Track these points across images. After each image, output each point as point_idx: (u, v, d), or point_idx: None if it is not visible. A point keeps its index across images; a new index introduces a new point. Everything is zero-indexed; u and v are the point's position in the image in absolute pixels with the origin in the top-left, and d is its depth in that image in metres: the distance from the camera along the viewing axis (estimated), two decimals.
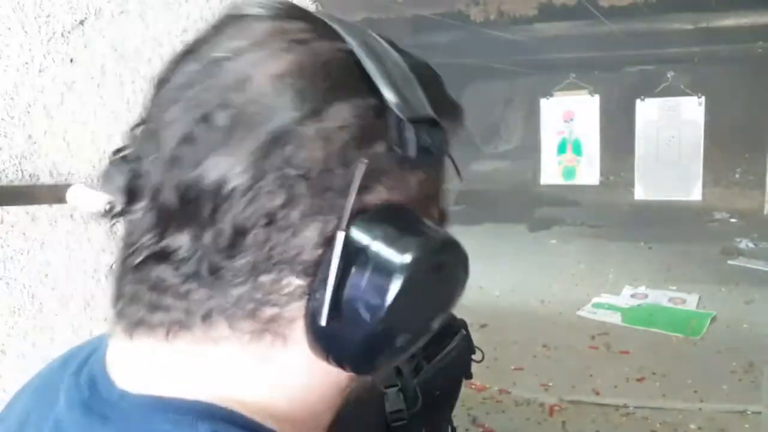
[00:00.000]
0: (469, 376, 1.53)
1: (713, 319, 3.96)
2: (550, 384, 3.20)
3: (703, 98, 3.28)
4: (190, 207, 0.37)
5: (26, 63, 1.07)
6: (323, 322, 0.36)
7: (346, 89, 0.38)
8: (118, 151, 0.41)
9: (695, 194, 3.29)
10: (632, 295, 4.48)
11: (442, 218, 0.45)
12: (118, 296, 0.40)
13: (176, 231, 0.37)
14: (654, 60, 7.81)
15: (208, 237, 0.36)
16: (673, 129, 3.35)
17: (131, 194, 0.39)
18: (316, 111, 0.36)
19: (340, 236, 0.36)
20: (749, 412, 2.89)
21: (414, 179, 0.40)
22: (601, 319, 4.09)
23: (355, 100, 0.38)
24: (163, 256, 0.37)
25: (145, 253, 0.38)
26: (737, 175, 7.23)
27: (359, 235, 0.37)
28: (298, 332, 0.38)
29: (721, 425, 2.81)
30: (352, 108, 0.37)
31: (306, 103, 0.37)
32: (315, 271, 0.37)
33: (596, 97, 3.38)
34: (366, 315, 0.37)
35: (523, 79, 9.50)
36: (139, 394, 0.39)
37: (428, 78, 0.44)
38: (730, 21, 6.14)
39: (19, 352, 0.98)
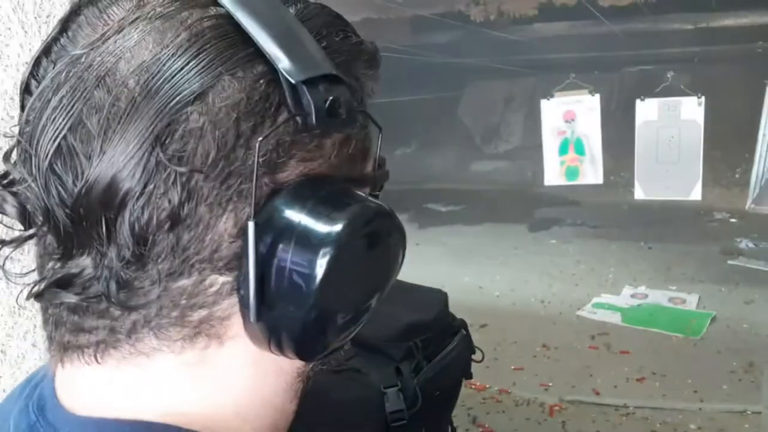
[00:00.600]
0: (469, 376, 1.53)
1: (713, 319, 3.96)
2: (550, 384, 3.20)
3: (703, 98, 3.27)
4: (84, 224, 0.33)
5: (26, 63, 1.07)
6: (252, 318, 0.34)
7: (226, 61, 0.33)
8: (4, 176, 0.37)
9: (695, 194, 3.28)
10: (632, 295, 4.47)
11: (378, 177, 0.42)
12: (45, 320, 0.38)
13: (77, 253, 0.34)
14: (654, 60, 7.81)
15: (111, 253, 0.33)
16: (673, 129, 3.34)
17: (26, 220, 0.36)
18: (196, 94, 0.33)
19: (251, 226, 0.33)
20: (749, 412, 2.89)
21: (330, 144, 0.36)
22: (601, 319, 4.08)
23: (239, 71, 0.34)
24: (65, 282, 0.35)
25: (44, 284, 0.35)
26: (737, 175, 7.23)
27: (278, 217, 0.34)
28: (235, 328, 0.36)
29: (721, 425, 2.81)
30: (237, 81, 0.33)
31: (181, 87, 0.33)
32: (239, 264, 0.35)
33: (597, 96, 3.35)
34: (298, 298, 0.34)
35: (523, 79, 9.50)
36: (82, 416, 0.37)
37: (326, 24, 0.39)
38: (730, 21, 6.15)
39: (19, 352, 0.98)
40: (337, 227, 0.34)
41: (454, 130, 9.81)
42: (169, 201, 0.33)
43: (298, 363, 0.40)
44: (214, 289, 0.35)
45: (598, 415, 2.91)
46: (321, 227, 0.34)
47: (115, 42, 0.34)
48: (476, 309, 3.86)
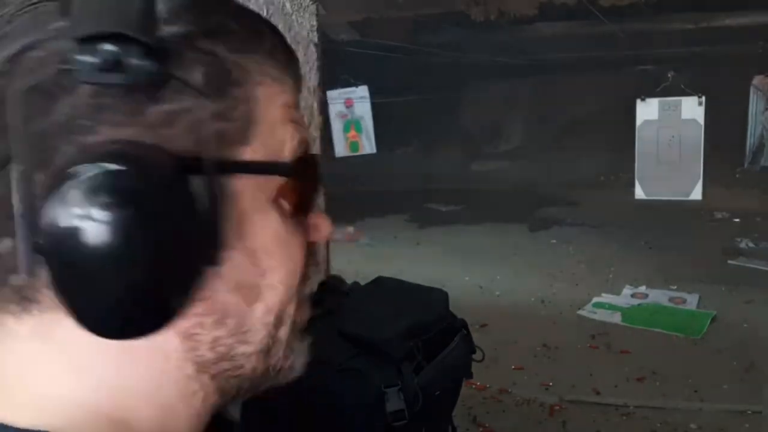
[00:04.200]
0: (470, 375, 1.53)
1: (713, 319, 3.96)
2: (550, 384, 3.20)
3: (703, 98, 3.27)
4: None
5: None
6: (22, 275, 0.32)
7: (38, 27, 0.33)
8: None
9: (695, 194, 3.28)
10: (632, 295, 4.47)
11: (273, 166, 0.37)
12: None
13: None
14: (654, 60, 7.81)
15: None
16: (673, 129, 3.34)
17: None
18: (7, 58, 0.32)
19: (16, 168, 0.31)
20: (749, 412, 2.89)
21: (156, 113, 0.33)
22: (601, 318, 4.08)
23: (45, 44, 0.33)
24: None
25: None
26: (737, 175, 7.23)
27: (71, 172, 0.31)
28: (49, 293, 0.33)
29: (721, 425, 2.81)
30: (39, 53, 0.33)
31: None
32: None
33: (365, 87, 3.88)
34: (79, 257, 0.31)
35: (523, 79, 9.50)
36: None
37: None
38: (730, 21, 6.15)
39: None
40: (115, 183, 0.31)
41: (454, 130, 9.81)
42: None
43: (184, 347, 0.35)
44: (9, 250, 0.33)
45: (598, 415, 2.91)
46: (108, 177, 0.31)
47: None
48: (477, 308, 3.86)
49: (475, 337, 1.63)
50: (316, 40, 1.79)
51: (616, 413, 2.93)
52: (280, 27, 1.71)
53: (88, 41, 0.31)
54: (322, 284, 1.70)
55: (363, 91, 3.98)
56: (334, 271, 1.91)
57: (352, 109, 3.98)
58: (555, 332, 3.85)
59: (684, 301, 4.31)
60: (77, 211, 0.30)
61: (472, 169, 9.39)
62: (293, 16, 1.69)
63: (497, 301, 4.45)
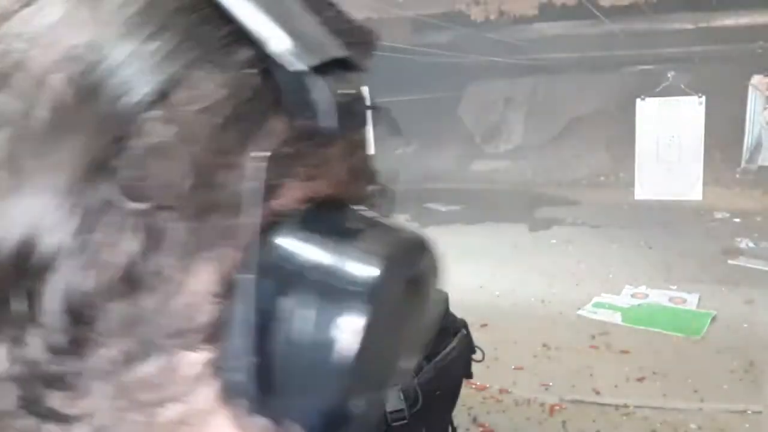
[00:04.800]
0: (470, 375, 1.54)
1: (713, 319, 3.96)
2: (551, 383, 3.20)
3: (703, 98, 3.27)
4: None
5: None
6: (250, 408, 0.24)
7: (202, 44, 0.23)
8: None
9: (695, 194, 3.29)
10: (632, 295, 4.47)
11: (380, 196, 0.30)
12: None
13: None
14: (654, 60, 7.82)
15: (34, 339, 0.22)
16: (673, 129, 3.35)
17: None
18: (160, 91, 0.22)
19: (246, 277, 0.23)
20: (749, 412, 2.89)
21: (336, 155, 0.26)
22: (602, 318, 4.08)
23: (221, 57, 0.23)
24: None
25: None
26: (737, 175, 7.23)
27: (283, 264, 0.23)
28: (223, 423, 0.25)
29: (721, 425, 2.81)
30: (218, 72, 0.23)
31: (133, 84, 0.22)
32: (222, 333, 0.24)
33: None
34: (320, 378, 0.24)
35: (523, 79, 9.50)
36: None
37: None
38: (730, 21, 6.15)
39: None
40: (374, 271, 0.23)
41: (454, 130, 9.81)
42: (125, 254, 0.22)
43: None
44: (189, 373, 0.24)
45: (598, 415, 2.91)
46: (351, 273, 0.23)
47: (24, 20, 0.23)
48: (477, 308, 3.86)
49: (475, 337, 1.64)
50: None
51: (616, 413, 2.93)
52: None
53: (320, 70, 0.23)
54: None
55: (363, 91, 3.98)
56: None
57: None
58: (555, 332, 3.85)
59: (684, 301, 4.31)
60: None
61: (472, 168, 9.39)
62: None
63: (497, 301, 4.45)
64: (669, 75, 3.64)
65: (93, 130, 0.22)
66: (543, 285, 4.71)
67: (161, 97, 0.22)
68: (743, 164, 3.84)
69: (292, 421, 0.25)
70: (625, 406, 2.97)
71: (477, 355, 1.54)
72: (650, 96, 3.42)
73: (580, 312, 4.20)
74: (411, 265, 0.25)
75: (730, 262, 5.09)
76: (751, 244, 5.53)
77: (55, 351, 0.22)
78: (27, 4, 0.23)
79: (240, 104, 0.23)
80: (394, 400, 1.29)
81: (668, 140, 3.35)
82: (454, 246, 5.85)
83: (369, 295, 0.23)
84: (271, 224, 0.24)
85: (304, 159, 0.25)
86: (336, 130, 0.24)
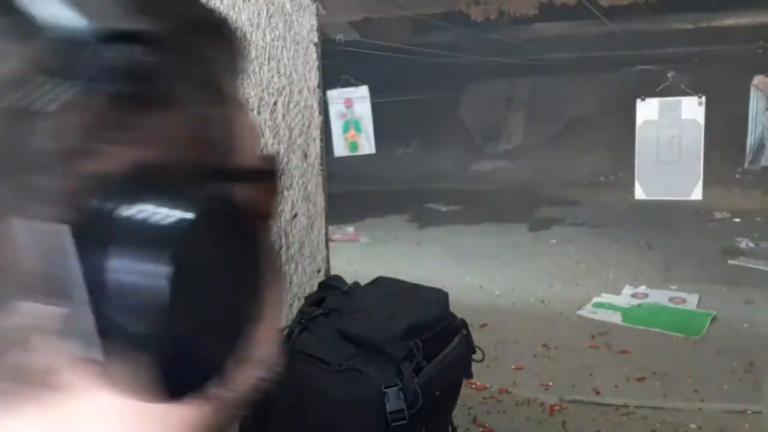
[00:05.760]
0: (470, 375, 1.54)
1: (713, 319, 3.96)
2: (551, 384, 3.20)
3: (703, 98, 3.27)
4: None
5: None
6: (98, 355, 0.26)
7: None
8: None
9: (695, 194, 3.29)
10: (632, 295, 4.48)
11: (251, 173, 0.32)
12: None
13: None
14: (654, 60, 7.82)
15: None
16: (673, 129, 3.35)
17: None
18: None
19: (64, 229, 0.25)
20: (749, 412, 2.90)
21: (158, 122, 0.28)
22: (602, 318, 4.09)
23: (7, 30, 0.25)
24: None
25: None
26: (737, 175, 7.23)
27: (102, 216, 0.26)
28: (80, 375, 0.27)
29: (722, 425, 2.82)
30: (7, 45, 0.25)
31: None
32: (54, 284, 0.25)
33: (365, 87, 3.94)
34: (146, 319, 0.26)
35: (523, 79, 9.51)
36: None
37: None
38: (730, 21, 6.15)
39: None
40: (184, 219, 0.26)
41: (454, 130, 9.82)
42: None
43: (189, 412, 0.30)
44: (26, 322, 0.25)
45: (598, 415, 2.91)
46: (161, 221, 0.26)
47: None
48: (477, 308, 3.86)
49: (475, 337, 1.64)
50: (316, 40, 1.79)
51: (616, 413, 2.93)
52: (280, 27, 1.69)
53: (113, 40, 0.25)
54: (322, 284, 1.70)
55: (363, 91, 3.98)
56: (334, 271, 1.91)
57: (352, 109, 3.99)
58: (555, 332, 3.85)
59: (684, 301, 4.31)
60: (149, 267, 0.25)
61: (472, 169, 9.39)
62: (293, 16, 1.69)
63: (497, 301, 4.45)
64: (669, 75, 3.63)
65: None
66: (543, 285, 4.71)
67: None
68: (746, 165, 3.84)
69: (133, 355, 0.26)
70: (625, 406, 2.97)
71: (477, 355, 1.54)
72: (650, 96, 3.41)
73: (580, 312, 4.20)
74: (219, 223, 0.28)
75: (730, 262, 5.10)
76: (751, 244, 5.53)
77: None
78: None
79: (28, 74, 0.25)
80: (394, 400, 1.29)
81: (668, 140, 3.34)
82: (454, 246, 5.86)
83: (173, 248, 0.26)
84: (91, 186, 0.26)
85: (113, 125, 0.26)
86: (133, 98, 0.26)
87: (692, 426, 2.81)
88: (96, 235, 0.25)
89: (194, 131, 0.29)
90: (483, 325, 3.79)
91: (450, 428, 1.62)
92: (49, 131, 0.25)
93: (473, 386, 3.01)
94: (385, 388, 1.30)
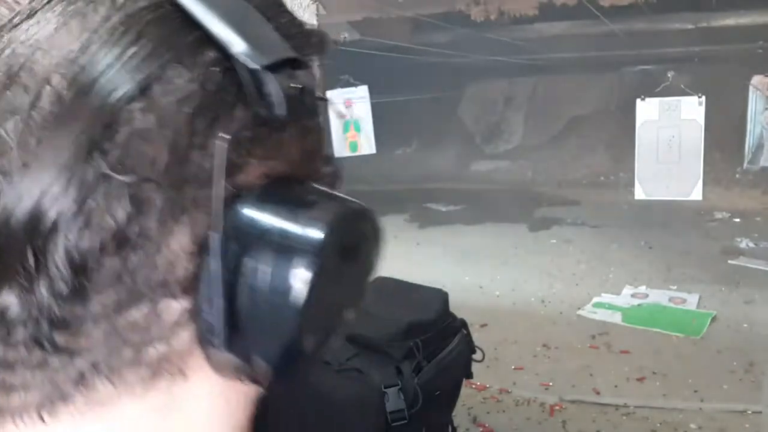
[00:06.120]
0: (470, 375, 1.54)
1: (713, 319, 3.96)
2: (551, 383, 3.20)
3: (703, 98, 3.27)
4: (5, 257, 0.27)
5: None
6: (222, 347, 0.30)
7: (172, 47, 0.28)
8: None
9: (696, 194, 3.28)
10: (632, 295, 4.48)
11: (333, 175, 0.36)
12: None
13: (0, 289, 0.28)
14: (654, 60, 7.82)
15: (41, 287, 0.27)
16: (673, 129, 3.34)
17: None
18: (140, 87, 0.27)
19: (215, 237, 0.29)
20: (749, 412, 2.90)
21: (290, 139, 0.32)
22: (602, 318, 4.09)
23: (190, 58, 0.28)
24: None
25: None
26: (737, 175, 7.23)
27: (245, 226, 0.29)
28: (199, 361, 0.31)
29: (722, 425, 2.82)
30: (186, 70, 0.28)
31: (120, 80, 0.27)
32: (197, 285, 0.30)
33: (365, 87, 3.91)
34: (277, 322, 0.30)
35: (523, 79, 9.51)
36: None
37: (268, 4, 0.33)
38: (730, 21, 6.15)
39: None
40: (320, 232, 0.29)
41: (454, 130, 9.82)
42: (114, 219, 0.27)
43: (257, 388, 0.35)
44: (170, 317, 0.30)
45: (598, 415, 2.91)
46: (300, 233, 0.29)
47: (28, 29, 0.28)
48: (477, 309, 3.86)
49: (475, 337, 1.63)
50: None
51: (616, 413, 2.93)
52: None
53: (273, 68, 0.29)
54: None
55: (363, 91, 3.98)
56: None
57: (352, 109, 3.99)
58: (555, 332, 3.85)
59: (684, 301, 4.31)
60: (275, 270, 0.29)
61: (472, 169, 9.39)
62: None
63: (497, 301, 4.45)
64: (669, 75, 3.63)
65: (87, 119, 0.27)
66: (543, 285, 4.71)
67: (141, 91, 0.27)
68: (745, 165, 3.84)
69: (256, 356, 0.31)
70: (625, 406, 2.97)
71: (477, 355, 1.54)
72: (650, 96, 3.41)
73: (580, 312, 4.20)
74: (352, 229, 0.31)
75: (730, 262, 5.10)
76: (751, 244, 5.53)
77: (60, 297, 0.28)
78: (29, 17, 0.29)
79: (206, 96, 0.28)
80: (394, 400, 1.29)
81: (668, 140, 3.34)
82: (454, 246, 5.86)
83: (315, 253, 0.29)
84: (236, 195, 0.30)
85: (262, 142, 0.30)
86: (286, 117, 0.30)
87: (692, 426, 2.81)
88: (235, 241, 0.29)
89: (309, 143, 0.33)
90: (483, 325, 3.79)
91: (450, 428, 1.62)
92: (215, 149, 0.28)
93: (473, 386, 3.01)
94: (385, 388, 1.30)
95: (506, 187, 8.16)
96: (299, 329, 0.30)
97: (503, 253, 5.56)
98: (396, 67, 7.20)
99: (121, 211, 0.27)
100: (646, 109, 3.38)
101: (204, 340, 0.30)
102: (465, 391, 1.94)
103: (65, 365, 0.29)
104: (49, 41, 0.28)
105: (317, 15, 1.79)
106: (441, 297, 1.55)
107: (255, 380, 0.32)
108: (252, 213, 0.29)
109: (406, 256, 5.53)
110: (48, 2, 0.29)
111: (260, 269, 0.29)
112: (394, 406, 1.29)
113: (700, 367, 3.34)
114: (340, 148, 4.02)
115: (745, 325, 3.87)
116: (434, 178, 8.69)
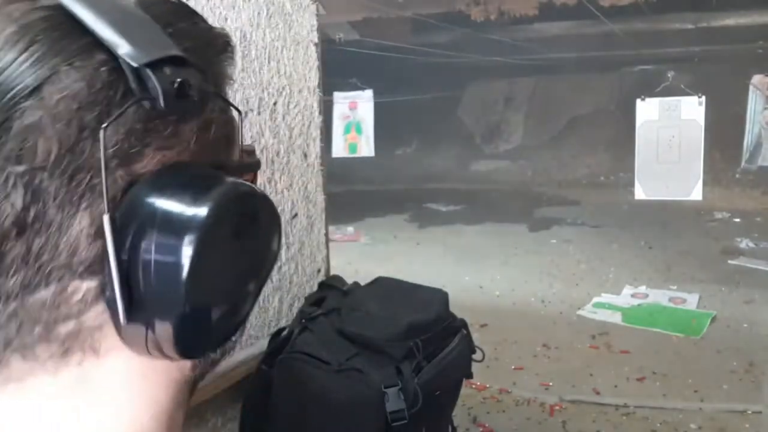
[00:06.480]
0: (470, 375, 1.54)
1: (713, 319, 3.96)
2: (551, 384, 3.20)
3: (703, 98, 3.27)
4: None
5: None
6: (122, 320, 0.32)
7: (61, 51, 0.31)
8: None
9: (695, 194, 3.28)
10: (632, 295, 4.48)
11: (246, 165, 0.40)
12: None
13: None
14: (654, 60, 7.82)
15: None
16: (673, 129, 3.34)
17: None
18: (30, 88, 0.30)
19: (106, 219, 0.31)
20: (749, 412, 2.90)
21: (188, 130, 0.34)
22: (602, 318, 4.09)
23: (77, 61, 0.31)
24: None
25: None
26: (737, 175, 7.23)
27: (137, 208, 0.31)
28: (110, 338, 0.33)
29: (722, 425, 2.82)
30: (75, 71, 0.31)
31: (14, 82, 0.30)
32: (101, 266, 0.32)
33: (371, 90, 3.99)
34: (168, 292, 0.31)
35: (523, 79, 9.50)
36: None
37: (171, 11, 0.36)
38: (730, 21, 6.15)
39: None
40: (202, 209, 0.31)
41: (454, 129, 9.82)
42: (12, 206, 0.30)
43: (186, 367, 0.37)
44: (77, 296, 0.32)
45: (598, 415, 2.91)
46: (184, 211, 0.31)
47: None
48: (477, 309, 3.87)
49: (475, 337, 1.63)
50: (316, 40, 1.79)
51: (616, 413, 2.93)
52: (280, 27, 1.69)
53: (153, 65, 0.31)
54: (322, 284, 1.70)
55: (368, 94, 4.01)
56: (334, 271, 1.91)
57: (355, 111, 4.01)
58: (555, 332, 3.85)
59: (684, 301, 4.31)
60: (169, 241, 0.31)
61: (472, 168, 9.39)
62: (293, 16, 1.69)
63: (497, 301, 4.45)
64: (669, 75, 3.63)
65: None
66: (543, 285, 4.71)
67: (34, 90, 0.30)
68: (743, 164, 3.85)
69: (156, 326, 0.32)
70: (625, 406, 2.97)
71: (477, 355, 1.54)
72: (650, 96, 3.41)
73: (580, 312, 4.20)
74: (236, 209, 0.33)
75: (730, 262, 5.10)
76: (751, 244, 5.53)
77: None
78: None
79: (93, 93, 0.31)
80: (394, 400, 1.28)
81: (668, 140, 3.34)
82: (454, 246, 5.86)
83: (197, 230, 0.31)
84: (132, 182, 0.32)
85: (157, 133, 0.33)
86: (167, 110, 0.32)
87: (692, 426, 2.81)
88: (131, 222, 0.31)
89: (213, 134, 0.36)
90: (483, 325, 3.79)
91: (450, 428, 1.62)
92: (110, 140, 0.31)
93: (473, 386, 3.01)
94: (385, 388, 1.30)
95: (506, 187, 8.16)
96: (187, 299, 0.32)
97: (503, 253, 5.56)
98: (396, 67, 7.20)
99: (19, 198, 0.30)
100: (646, 109, 3.37)
101: (111, 316, 0.32)
102: (465, 391, 1.94)
103: None
104: None
105: (317, 15, 1.79)
106: (441, 297, 1.55)
107: (164, 354, 0.33)
108: (142, 196, 0.32)
109: (406, 256, 5.53)
110: None
111: (150, 247, 0.31)
112: (394, 406, 1.29)
113: (700, 367, 3.34)
114: (339, 148, 4.02)
115: (745, 325, 3.88)
116: (434, 178, 8.69)
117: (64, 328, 0.32)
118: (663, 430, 2.80)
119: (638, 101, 3.41)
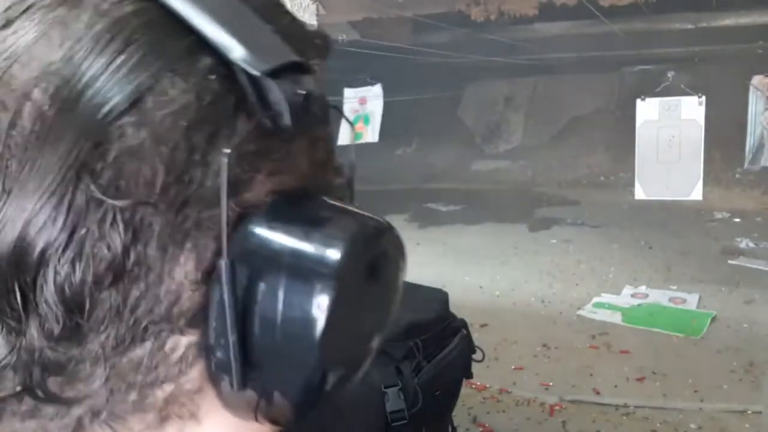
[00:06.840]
0: (470, 375, 1.54)
1: (713, 319, 3.96)
2: (551, 384, 3.20)
3: (703, 98, 3.27)
4: None
5: None
6: (236, 385, 0.26)
7: (163, 55, 0.25)
8: None
9: (696, 194, 3.28)
10: (632, 295, 4.47)
11: (345, 187, 0.33)
12: None
13: None
14: (654, 60, 7.82)
15: (31, 328, 0.24)
16: (673, 129, 3.34)
17: None
18: (129, 101, 0.24)
19: (224, 265, 0.25)
20: (749, 412, 2.89)
21: (298, 149, 0.28)
22: (602, 318, 4.08)
23: (182, 66, 0.25)
24: None
25: None
26: (737, 175, 7.23)
27: (255, 250, 0.26)
28: (209, 400, 0.28)
29: (722, 425, 2.81)
30: (181, 80, 0.25)
31: (108, 93, 0.24)
32: (205, 317, 0.26)
33: (378, 86, 4.09)
34: (295, 352, 0.26)
35: (523, 79, 9.50)
36: None
37: (268, 5, 0.30)
38: (730, 21, 6.15)
39: None
40: (337, 253, 0.26)
41: (454, 129, 9.81)
42: (109, 247, 0.24)
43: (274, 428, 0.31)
44: (177, 354, 0.26)
45: (598, 415, 2.91)
46: (316, 255, 0.26)
47: (4, 40, 0.25)
48: (477, 309, 3.86)
49: (475, 337, 1.64)
50: None
51: (616, 413, 2.93)
52: None
53: (275, 74, 0.26)
54: None
55: (377, 89, 4.06)
56: None
57: (365, 106, 4.06)
58: (555, 332, 3.85)
59: (684, 301, 4.31)
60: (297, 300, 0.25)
61: (472, 168, 9.38)
62: None
63: (497, 301, 4.45)
64: (669, 75, 3.64)
65: (73, 137, 0.24)
66: (543, 285, 4.71)
67: (132, 104, 0.24)
68: (746, 165, 3.85)
69: (274, 393, 0.27)
70: (625, 406, 2.97)
71: (477, 355, 1.54)
72: (650, 96, 3.41)
73: (580, 312, 4.20)
74: (372, 248, 0.28)
75: (730, 262, 5.09)
76: (751, 244, 5.53)
77: (53, 338, 0.24)
78: (4, 27, 0.26)
79: (204, 107, 0.25)
80: (394, 400, 1.29)
81: (668, 140, 3.34)
82: (454, 246, 5.85)
83: (333, 275, 0.25)
84: (243, 215, 0.26)
85: (269, 155, 0.27)
86: (291, 127, 0.26)
87: (692, 426, 2.81)
88: (246, 266, 0.25)
89: (319, 154, 0.30)
90: (483, 325, 3.79)
91: (450, 428, 1.62)
92: (219, 165, 0.25)
93: (473, 386, 3.01)
94: (385, 388, 1.30)
95: (506, 187, 8.16)
96: (320, 362, 0.26)
97: (503, 253, 5.55)
98: (396, 67, 7.20)
99: (117, 238, 0.24)
100: (646, 109, 3.38)
101: (216, 378, 0.27)
102: (465, 391, 1.94)
103: (60, 413, 0.26)
104: (28, 52, 0.25)
105: (317, 15, 1.79)
106: (441, 297, 1.55)
107: (274, 420, 0.28)
108: (261, 234, 0.26)
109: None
110: (25, 10, 0.26)
111: (274, 297, 0.26)
112: (394, 406, 1.29)
113: (700, 367, 3.34)
114: (344, 136, 4.05)
115: (745, 325, 3.87)
116: (434, 178, 8.69)
117: (162, 392, 0.26)
118: (663, 430, 2.80)
119: (638, 101, 3.42)
